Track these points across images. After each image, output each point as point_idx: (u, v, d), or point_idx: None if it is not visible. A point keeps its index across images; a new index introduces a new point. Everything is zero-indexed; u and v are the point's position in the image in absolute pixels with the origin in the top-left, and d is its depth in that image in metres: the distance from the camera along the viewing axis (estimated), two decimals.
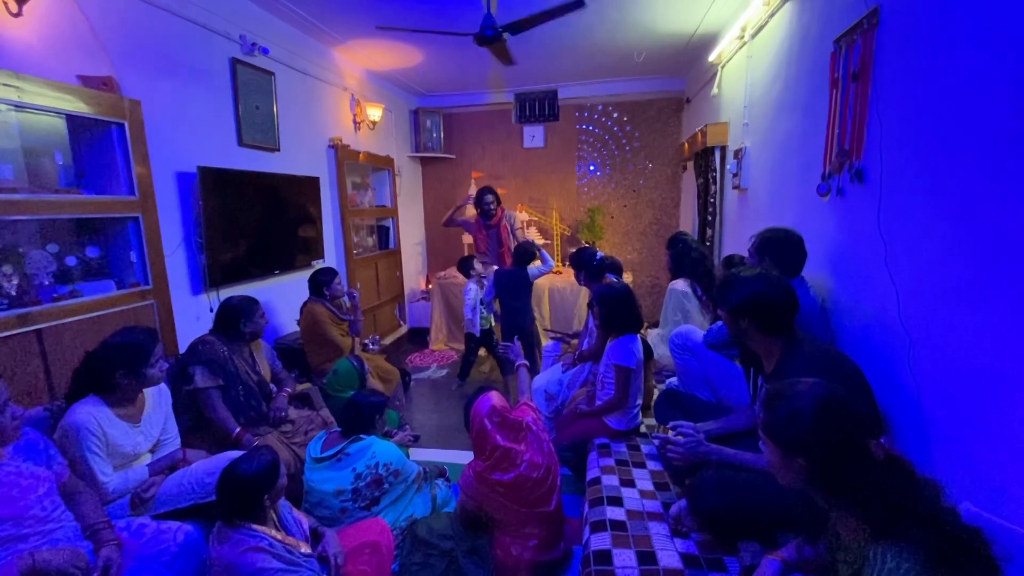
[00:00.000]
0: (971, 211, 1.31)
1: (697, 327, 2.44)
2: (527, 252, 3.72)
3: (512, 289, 3.68)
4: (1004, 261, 1.20)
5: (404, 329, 5.36)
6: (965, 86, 1.34)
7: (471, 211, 4.53)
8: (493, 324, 3.94)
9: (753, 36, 3.09)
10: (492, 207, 4.25)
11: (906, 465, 0.97)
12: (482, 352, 4.23)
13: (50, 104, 1.92)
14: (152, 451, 1.90)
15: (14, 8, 1.82)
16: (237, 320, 2.37)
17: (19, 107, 1.84)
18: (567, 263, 4.87)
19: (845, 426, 0.98)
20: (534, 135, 5.74)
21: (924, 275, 1.50)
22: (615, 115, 5.53)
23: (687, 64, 4.70)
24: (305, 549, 1.63)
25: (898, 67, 1.64)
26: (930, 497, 0.92)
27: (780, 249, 1.96)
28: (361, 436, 2.11)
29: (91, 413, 1.69)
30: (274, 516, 1.63)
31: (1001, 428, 1.22)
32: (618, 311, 2.28)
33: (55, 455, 1.55)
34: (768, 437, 1.04)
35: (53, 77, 1.95)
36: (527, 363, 2.58)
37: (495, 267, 4.12)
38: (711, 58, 3.84)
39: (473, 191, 4.49)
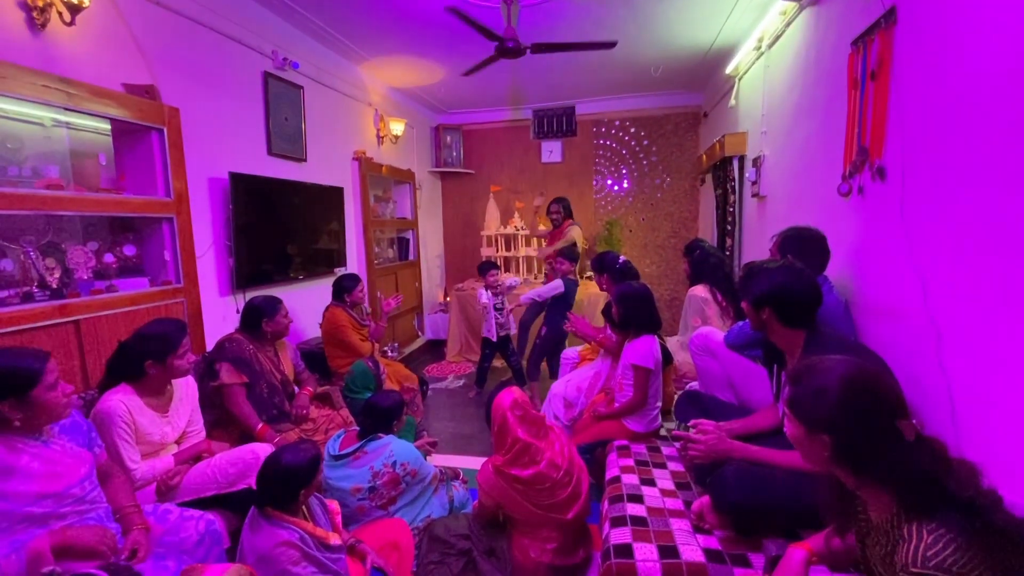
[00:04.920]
0: (998, 202, 1.30)
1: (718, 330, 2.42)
2: (573, 253, 3.86)
3: (572, 295, 3.80)
4: None
5: (422, 340, 5.40)
6: (987, 77, 1.34)
7: (545, 224, 4.97)
8: (510, 332, 3.96)
9: (770, 46, 3.12)
10: (555, 217, 4.65)
11: (938, 445, 0.94)
12: (500, 364, 4.23)
13: (97, 109, 2.03)
14: (178, 442, 1.94)
15: (68, 18, 1.95)
16: (259, 319, 2.43)
17: (68, 110, 1.96)
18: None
19: (871, 403, 0.96)
20: (552, 150, 5.83)
21: (951, 267, 1.48)
22: (632, 130, 5.59)
23: (704, 78, 4.76)
24: (335, 540, 1.63)
25: (917, 63, 1.65)
26: (966, 479, 0.89)
27: (803, 246, 1.95)
28: (379, 435, 2.12)
29: (122, 401, 1.75)
30: (304, 509, 1.65)
31: None
32: (637, 310, 2.28)
33: (96, 438, 1.60)
34: (792, 412, 1.03)
35: (100, 83, 2.07)
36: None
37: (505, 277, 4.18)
38: (728, 70, 3.88)
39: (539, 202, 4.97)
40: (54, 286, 1.93)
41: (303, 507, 1.63)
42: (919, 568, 0.82)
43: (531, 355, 3.84)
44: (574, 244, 4.53)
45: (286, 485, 1.54)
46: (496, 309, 3.85)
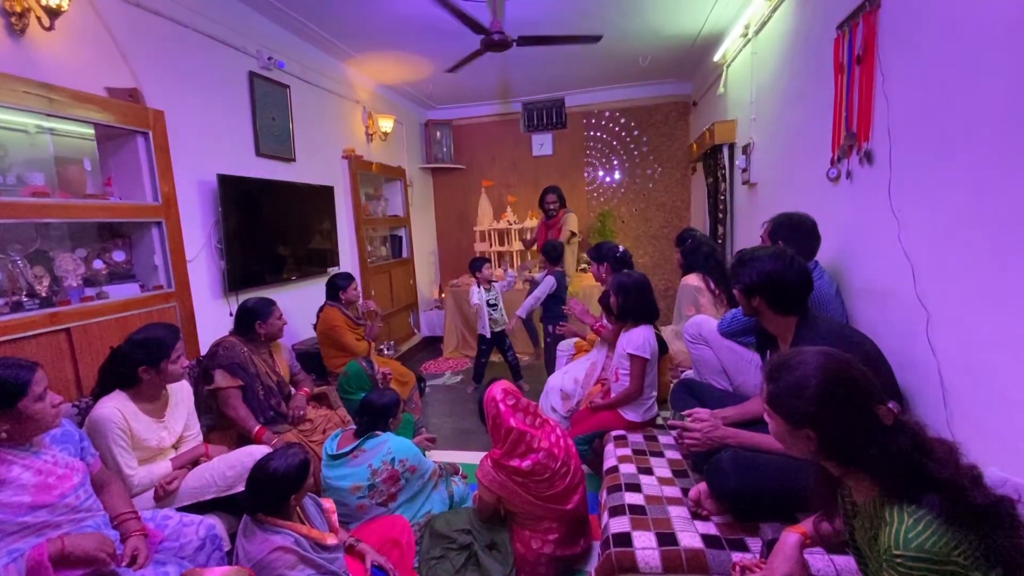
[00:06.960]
0: (984, 181, 1.31)
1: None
2: (556, 249, 3.83)
3: (563, 287, 3.80)
4: (1019, 227, 1.19)
5: (418, 337, 5.40)
6: (969, 58, 1.35)
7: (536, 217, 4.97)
8: (506, 327, 3.96)
9: (757, 32, 3.12)
10: (552, 207, 4.61)
11: (916, 427, 0.94)
12: (497, 359, 4.24)
13: (79, 114, 2.01)
14: (176, 447, 1.93)
15: (47, 23, 1.92)
16: (253, 321, 2.42)
17: (50, 116, 1.93)
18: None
19: (851, 392, 0.94)
20: (542, 143, 5.81)
21: (939, 248, 1.49)
22: (622, 121, 5.58)
23: (692, 66, 4.75)
24: (331, 540, 1.63)
25: (901, 45, 1.65)
26: (945, 458, 0.89)
27: (794, 232, 1.96)
28: (376, 433, 2.13)
29: (116, 407, 1.74)
30: (299, 510, 1.64)
31: (1021, 394, 1.20)
32: (634, 300, 2.29)
33: (88, 447, 1.59)
34: (773, 409, 1.01)
35: (82, 88, 2.04)
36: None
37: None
38: (716, 58, 3.88)
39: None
40: (44, 294, 1.92)
41: (297, 509, 1.63)
42: (901, 550, 0.82)
43: (547, 356, 3.81)
44: (572, 234, 4.55)
45: (275, 492, 1.54)
46: (490, 305, 3.85)
